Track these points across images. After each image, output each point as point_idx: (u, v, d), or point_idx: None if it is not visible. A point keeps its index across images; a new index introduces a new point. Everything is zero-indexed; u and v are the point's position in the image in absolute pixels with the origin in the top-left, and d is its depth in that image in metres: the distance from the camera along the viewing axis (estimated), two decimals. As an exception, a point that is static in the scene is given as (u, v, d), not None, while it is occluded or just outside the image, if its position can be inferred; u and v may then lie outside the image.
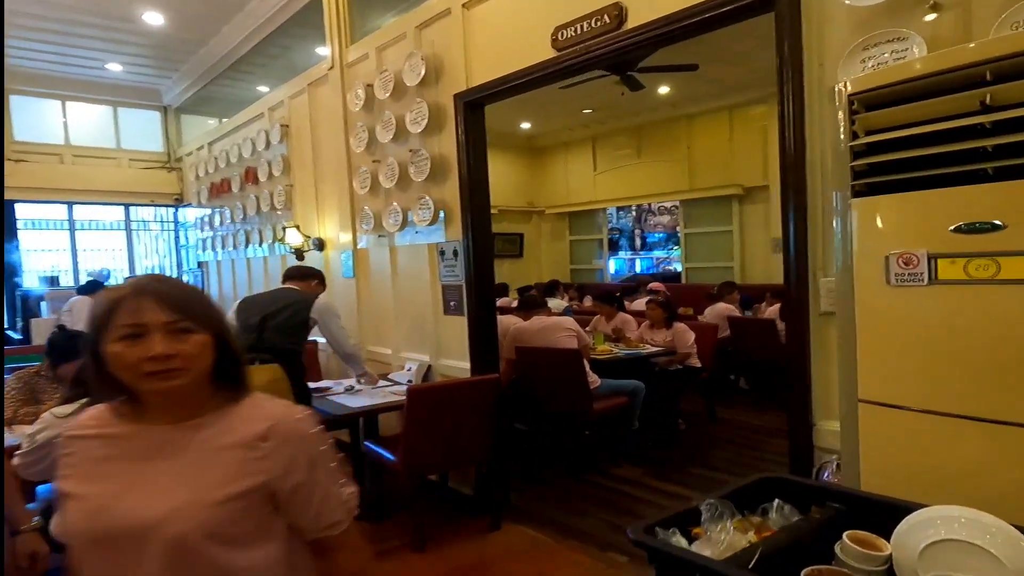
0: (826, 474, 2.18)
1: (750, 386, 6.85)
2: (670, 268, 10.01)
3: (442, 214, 4.01)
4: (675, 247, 9.85)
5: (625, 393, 4.76)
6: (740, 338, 6.42)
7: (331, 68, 4.91)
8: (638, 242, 10.25)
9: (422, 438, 3.34)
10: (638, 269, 10.25)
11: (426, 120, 3.95)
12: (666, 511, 1.41)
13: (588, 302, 8.97)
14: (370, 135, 4.48)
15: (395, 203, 4.28)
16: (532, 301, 5.01)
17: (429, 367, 4.25)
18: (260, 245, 6.28)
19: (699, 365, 5.52)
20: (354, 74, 4.74)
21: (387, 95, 4.24)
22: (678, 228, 9.55)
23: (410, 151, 4.13)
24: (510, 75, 3.46)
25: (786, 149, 2.38)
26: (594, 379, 4.58)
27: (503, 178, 11.02)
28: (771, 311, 6.75)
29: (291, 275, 3.78)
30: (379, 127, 4.34)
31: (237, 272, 7.13)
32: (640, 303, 7.11)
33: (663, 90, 8.37)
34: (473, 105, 3.78)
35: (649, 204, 10.10)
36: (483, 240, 3.88)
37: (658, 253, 10.19)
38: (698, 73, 7.71)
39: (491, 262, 3.96)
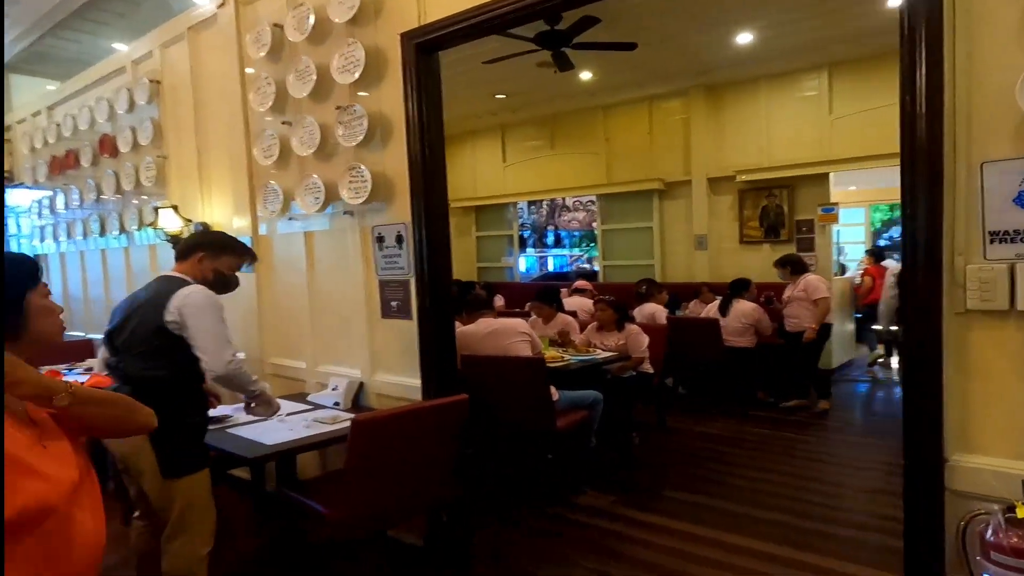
0: (989, 533, 1.60)
1: (688, 391, 6.45)
2: (585, 266, 9.54)
3: (381, 189, 3.14)
4: (591, 244, 9.38)
5: (585, 406, 4.10)
6: (677, 340, 5.96)
7: (222, 5, 3.86)
8: (551, 238, 9.68)
9: (371, 482, 2.47)
10: (551, 267, 9.69)
11: (361, 67, 3.07)
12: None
13: (500, 302, 8.29)
14: (279, 89, 3.51)
15: (315, 176, 3.35)
16: (478, 301, 4.22)
17: (361, 385, 3.35)
18: (120, 233, 5.02)
19: (651, 371, 4.99)
20: (255, 12, 3.73)
21: (304, 36, 3.30)
22: (595, 224, 9.10)
23: (337, 108, 3.22)
24: (484, 5, 2.66)
25: (914, 101, 1.79)
26: (554, 392, 3.87)
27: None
28: (710, 309, 6.38)
29: (176, 256, 2.65)
30: (292, 78, 3.39)
31: (88, 267, 5.75)
32: (572, 303, 6.52)
33: (585, 75, 7.85)
34: (426, 48, 2.95)
35: (563, 199, 9.58)
36: (438, 222, 3.06)
37: (573, 250, 9.68)
38: (623, 58, 7.25)
39: (448, 250, 3.14)
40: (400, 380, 3.16)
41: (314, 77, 3.28)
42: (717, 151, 8.00)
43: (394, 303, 3.18)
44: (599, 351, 4.78)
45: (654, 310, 6.18)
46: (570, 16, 5.78)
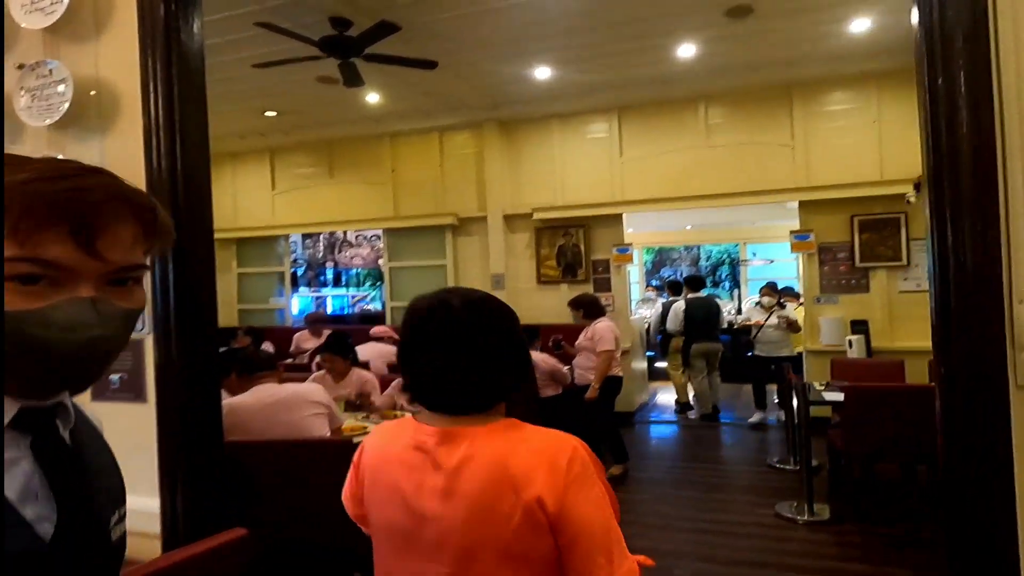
0: None
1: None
2: (370, 307, 8.56)
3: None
4: (378, 283, 8.44)
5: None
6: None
7: None
8: (330, 276, 8.55)
9: None
10: (330, 308, 8.54)
11: (63, 6, 1.93)
12: None
13: (270, 347, 6.99)
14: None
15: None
16: (253, 360, 3.10)
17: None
18: None
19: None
20: None
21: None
22: (381, 261, 8.19)
23: (19, 68, 2.01)
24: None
25: (955, 124, 1.28)
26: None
27: (145, 189, 8.30)
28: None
29: None
30: (-63, 16, 2.09)
31: None
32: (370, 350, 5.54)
33: (372, 98, 7.03)
34: (181, -14, 1.92)
35: (344, 233, 8.54)
36: (201, 256, 2.01)
37: (356, 290, 8.65)
38: (415, 83, 6.61)
39: (213, 297, 2.09)
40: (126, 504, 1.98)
41: (-22, 16, 2.03)
42: (513, 187, 7.66)
43: (116, 377, 2.02)
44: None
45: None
46: (364, 23, 4.97)
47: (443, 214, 7.75)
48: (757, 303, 7.33)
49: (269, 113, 7.48)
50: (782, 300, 6.89)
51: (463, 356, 1.11)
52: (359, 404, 3.99)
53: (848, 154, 6.42)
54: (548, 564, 1.02)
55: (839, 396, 4.18)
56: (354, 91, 6.81)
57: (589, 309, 5.37)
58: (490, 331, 1.15)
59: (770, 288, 7.19)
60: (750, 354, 7.14)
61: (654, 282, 11.90)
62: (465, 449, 1.06)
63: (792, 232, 6.64)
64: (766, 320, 6.73)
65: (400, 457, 1.13)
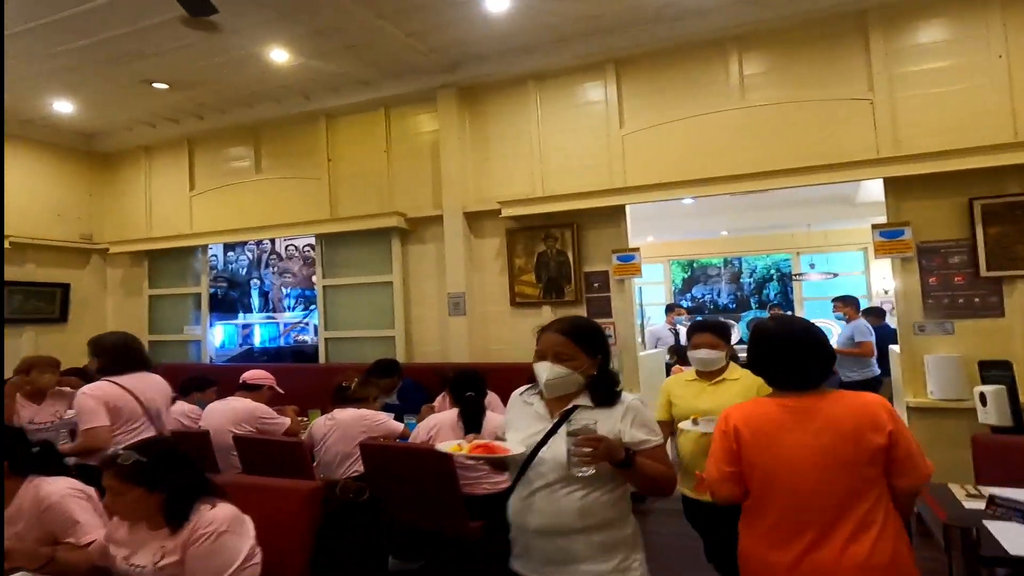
0: None
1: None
2: (306, 338, 6.64)
3: None
4: (312, 306, 6.53)
5: None
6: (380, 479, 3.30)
7: None
8: (257, 299, 6.68)
9: None
10: (257, 341, 6.64)
11: None
12: None
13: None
14: None
15: None
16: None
17: None
18: None
19: None
20: None
21: None
22: (315, 278, 6.27)
23: None
24: None
25: None
26: None
27: (31, 195, 6.69)
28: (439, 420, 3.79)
29: None
30: None
31: None
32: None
33: (279, 56, 5.17)
34: None
35: (273, 243, 6.67)
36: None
37: (290, 315, 6.75)
38: (327, 31, 4.77)
39: None
40: None
41: None
42: (478, 176, 5.69)
43: None
44: None
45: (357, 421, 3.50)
46: None
47: (387, 213, 5.81)
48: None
49: (158, 85, 5.71)
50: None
51: (811, 356, 1.85)
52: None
53: (958, 106, 4.26)
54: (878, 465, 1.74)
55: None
56: (254, 50, 5.03)
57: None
58: (821, 342, 1.90)
59: (844, 302, 6.39)
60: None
61: (683, 302, 9.73)
62: (825, 407, 1.79)
63: (874, 228, 4.46)
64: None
65: (777, 420, 1.82)
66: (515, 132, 5.56)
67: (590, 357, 1.88)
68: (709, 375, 2.81)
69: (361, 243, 6.07)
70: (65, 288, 6.94)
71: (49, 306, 6.82)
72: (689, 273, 10.35)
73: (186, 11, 3.74)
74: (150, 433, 3.10)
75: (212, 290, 6.91)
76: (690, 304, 9.79)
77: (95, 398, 3.03)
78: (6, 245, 6.29)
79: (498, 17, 4.67)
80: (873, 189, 5.62)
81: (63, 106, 6.17)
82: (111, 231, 7.28)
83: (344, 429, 3.53)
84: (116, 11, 4.33)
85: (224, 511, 1.89)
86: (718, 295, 10.30)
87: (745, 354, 2.04)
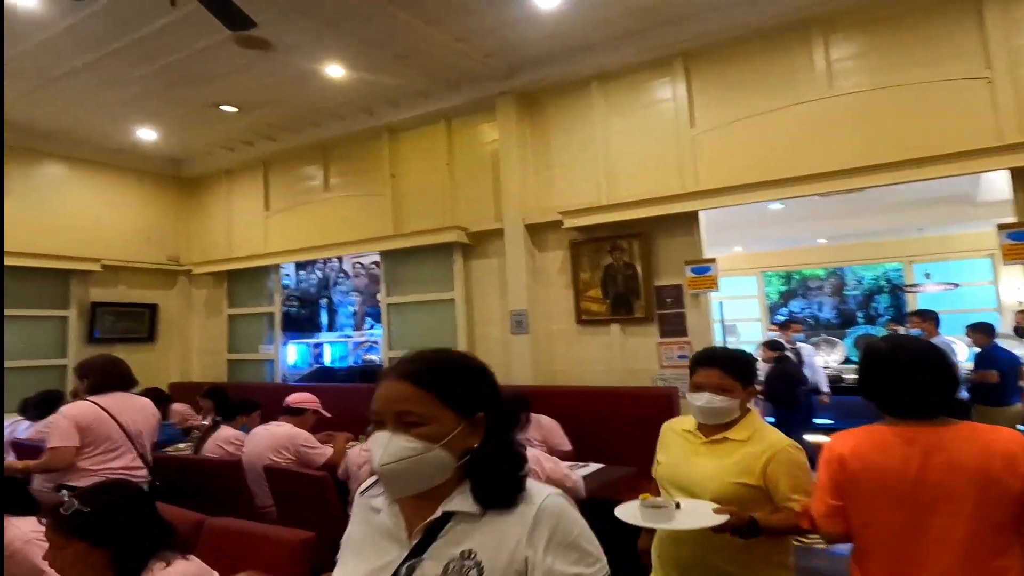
0: None
1: None
2: (374, 357, 6.56)
3: None
4: (377, 324, 6.44)
5: None
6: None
7: None
8: (325, 317, 6.67)
9: None
10: (327, 360, 6.63)
11: None
12: None
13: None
14: None
15: None
16: None
17: None
18: None
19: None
20: None
21: None
22: (379, 295, 6.17)
23: None
24: None
25: None
26: None
27: (122, 221, 7.04)
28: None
29: None
30: None
31: None
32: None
33: (335, 72, 5.12)
34: None
35: (340, 260, 6.65)
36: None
37: (358, 334, 6.69)
38: (378, 43, 4.67)
39: None
40: None
41: None
42: (540, 186, 5.40)
43: None
44: None
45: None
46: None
47: (449, 228, 5.61)
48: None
49: (226, 108, 5.82)
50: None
51: (930, 381, 1.60)
52: None
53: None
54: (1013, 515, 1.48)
55: None
56: (309, 66, 5.01)
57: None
58: (943, 364, 1.63)
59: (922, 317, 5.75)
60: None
61: (779, 317, 8.94)
62: (949, 440, 1.54)
63: (1000, 229, 3.77)
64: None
65: (889, 451, 1.58)
66: (578, 137, 5.23)
67: (458, 415, 1.11)
68: (711, 428, 2.00)
69: (424, 259, 5.91)
70: (153, 308, 7.23)
71: (139, 326, 7.12)
72: (787, 286, 9.53)
73: (225, 26, 3.70)
74: (129, 456, 3.04)
75: (285, 309, 6.99)
76: (787, 319, 8.98)
77: (68, 417, 3.04)
78: (98, 268, 6.62)
79: (550, 15, 4.37)
80: (997, 183, 4.84)
81: (146, 133, 6.44)
82: (196, 252, 7.54)
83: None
84: (172, 34, 4.39)
85: (181, 570, 1.66)
86: (819, 309, 9.40)
87: (856, 376, 1.75)
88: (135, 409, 3.25)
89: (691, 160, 4.74)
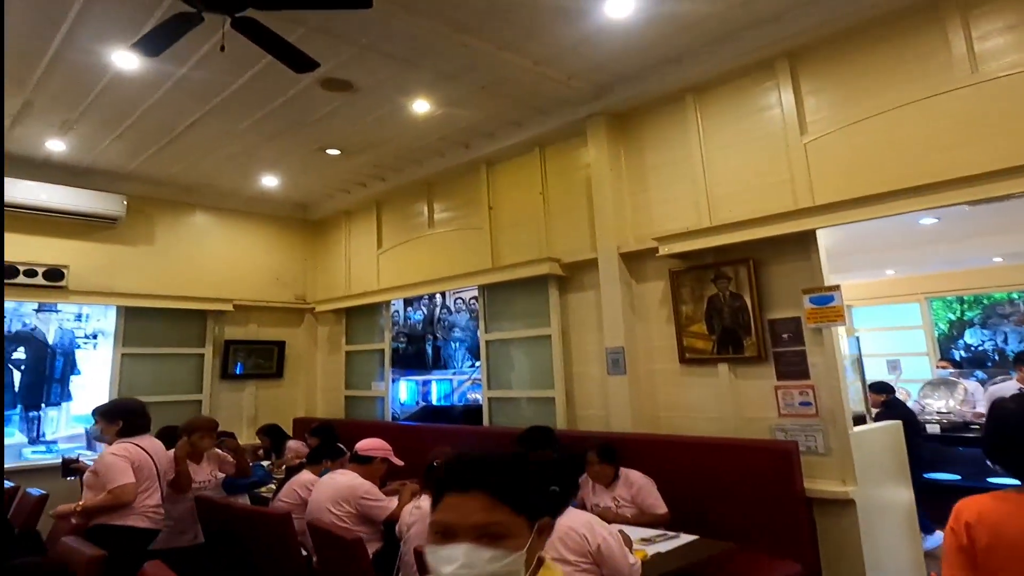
0: None
1: None
2: (476, 397, 6.39)
3: None
4: (477, 362, 6.27)
5: None
6: None
7: None
8: (430, 354, 6.62)
9: None
10: (434, 398, 6.55)
11: None
12: None
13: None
14: None
15: None
16: None
17: None
18: None
19: None
20: None
21: None
22: (479, 332, 6.00)
23: None
24: None
25: None
26: None
27: (254, 264, 7.54)
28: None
29: None
30: None
31: None
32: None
33: (421, 107, 5.10)
34: None
35: (443, 296, 6.59)
36: None
37: (458, 372, 6.56)
38: (455, 75, 4.58)
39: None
40: None
41: None
42: (635, 210, 4.97)
43: None
44: None
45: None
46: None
47: (542, 260, 5.34)
48: None
49: (331, 151, 6.03)
50: None
51: None
52: None
53: None
54: None
55: None
56: (394, 104, 5.03)
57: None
58: None
59: None
60: None
61: (953, 352, 7.52)
62: None
63: None
64: None
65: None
66: (675, 156, 4.75)
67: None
68: None
69: (520, 293, 5.67)
70: (281, 345, 7.64)
71: (267, 362, 7.54)
72: (958, 313, 8.06)
73: (290, 69, 3.76)
74: (158, 495, 3.20)
75: (395, 345, 7.04)
76: (964, 354, 7.55)
77: (123, 457, 3.16)
78: (230, 308, 7.11)
79: (627, 26, 4.00)
80: None
81: (269, 180, 6.87)
82: (320, 291, 7.90)
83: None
84: (263, 82, 4.57)
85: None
86: (1004, 341, 7.82)
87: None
88: (161, 451, 3.43)
89: (804, 172, 4.09)
